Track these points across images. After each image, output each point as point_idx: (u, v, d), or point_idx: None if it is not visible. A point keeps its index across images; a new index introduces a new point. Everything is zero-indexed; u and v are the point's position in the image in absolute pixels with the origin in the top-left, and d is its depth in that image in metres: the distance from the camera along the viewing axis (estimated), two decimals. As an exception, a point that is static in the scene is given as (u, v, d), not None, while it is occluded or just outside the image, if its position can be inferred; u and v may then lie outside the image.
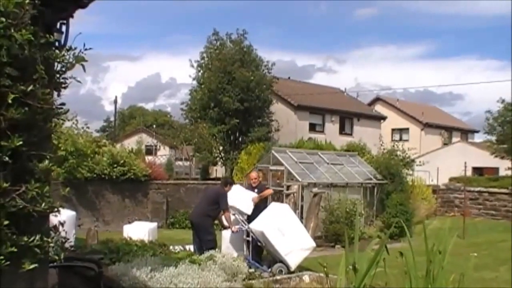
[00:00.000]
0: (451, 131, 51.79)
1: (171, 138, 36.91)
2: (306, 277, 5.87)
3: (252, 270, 7.86)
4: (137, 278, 6.42)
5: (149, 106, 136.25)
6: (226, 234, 12.44)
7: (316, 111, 38.04)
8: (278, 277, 6.40)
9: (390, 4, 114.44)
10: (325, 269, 4.93)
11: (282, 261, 10.66)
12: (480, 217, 26.32)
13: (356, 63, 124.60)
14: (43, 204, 3.17)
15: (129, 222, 16.86)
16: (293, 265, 10.55)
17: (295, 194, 17.69)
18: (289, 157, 19.72)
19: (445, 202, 28.42)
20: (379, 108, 47.82)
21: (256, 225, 11.25)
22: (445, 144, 46.17)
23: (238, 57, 30.71)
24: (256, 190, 12.63)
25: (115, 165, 19.59)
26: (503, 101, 31.81)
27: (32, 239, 3.15)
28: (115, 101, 51.75)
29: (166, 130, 65.90)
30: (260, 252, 11.75)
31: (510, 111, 31.56)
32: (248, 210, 12.10)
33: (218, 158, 31.55)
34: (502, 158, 31.53)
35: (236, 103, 29.14)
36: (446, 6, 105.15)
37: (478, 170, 35.58)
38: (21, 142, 3.03)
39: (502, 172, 32.73)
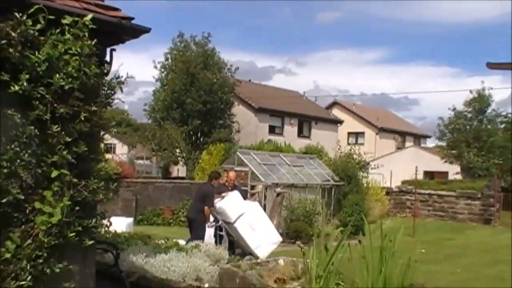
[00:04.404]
0: (405, 135, 53.59)
1: (128, 137, 37.29)
2: (281, 261, 6.88)
3: (231, 257, 8.92)
4: (134, 263, 7.37)
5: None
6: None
7: (276, 114, 39.01)
8: (258, 261, 7.42)
9: (354, 8, 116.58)
10: (302, 249, 5.97)
11: (251, 254, 11.72)
12: (429, 218, 27.75)
13: (316, 66, 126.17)
14: (100, 195, 4.17)
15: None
16: (261, 257, 11.60)
17: (259, 194, 18.72)
18: (252, 159, 20.79)
19: (397, 203, 29.74)
20: (336, 112, 49.12)
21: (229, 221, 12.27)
22: (398, 148, 47.83)
23: (202, 59, 31.44)
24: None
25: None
26: (454, 109, 33.61)
27: (90, 221, 4.14)
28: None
29: (123, 128, 65.83)
30: (232, 245, 12.75)
31: (460, 119, 33.33)
32: (232, 219, 12.47)
33: (179, 158, 32.19)
34: (451, 163, 33.28)
35: (199, 105, 29.91)
36: (407, 12, 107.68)
37: (429, 174, 37.11)
38: (86, 148, 4.02)
39: (451, 176, 34.35)
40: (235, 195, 12.88)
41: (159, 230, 16.30)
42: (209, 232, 13.00)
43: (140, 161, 41.21)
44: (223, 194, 12.90)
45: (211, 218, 12.78)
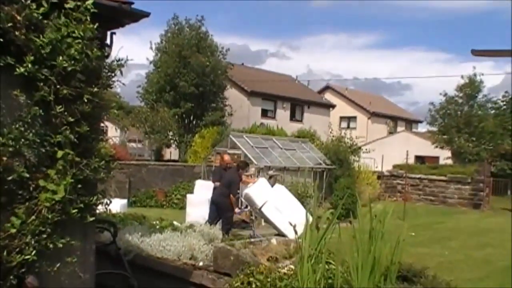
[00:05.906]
0: (397, 120, 53.91)
1: (121, 119, 37.13)
2: (273, 240, 7.09)
3: (225, 237, 9.13)
4: (130, 242, 7.55)
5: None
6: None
7: (269, 98, 39.19)
8: (252, 240, 7.60)
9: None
10: (294, 229, 6.17)
11: (283, 235, 12.00)
12: (420, 202, 28.10)
13: (309, 50, 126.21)
14: (101, 174, 4.34)
15: (97, 199, 17.75)
16: (292, 237, 11.89)
17: (252, 176, 18.89)
18: (245, 142, 20.93)
19: (388, 187, 30.05)
20: (329, 96, 49.33)
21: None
22: (390, 133, 48.08)
23: (195, 42, 31.48)
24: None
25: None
26: (445, 94, 33.86)
27: (91, 199, 4.31)
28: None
29: (115, 111, 65.63)
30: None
31: (451, 104, 33.60)
32: (259, 205, 13.03)
33: (172, 141, 32.29)
34: (442, 148, 33.59)
35: (191, 88, 30.00)
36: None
37: (420, 159, 37.38)
38: (88, 128, 4.18)
39: (442, 161, 34.70)
40: (261, 182, 13.51)
41: (152, 212, 16.52)
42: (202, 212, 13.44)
43: (133, 144, 41.12)
44: (255, 179, 13.52)
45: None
